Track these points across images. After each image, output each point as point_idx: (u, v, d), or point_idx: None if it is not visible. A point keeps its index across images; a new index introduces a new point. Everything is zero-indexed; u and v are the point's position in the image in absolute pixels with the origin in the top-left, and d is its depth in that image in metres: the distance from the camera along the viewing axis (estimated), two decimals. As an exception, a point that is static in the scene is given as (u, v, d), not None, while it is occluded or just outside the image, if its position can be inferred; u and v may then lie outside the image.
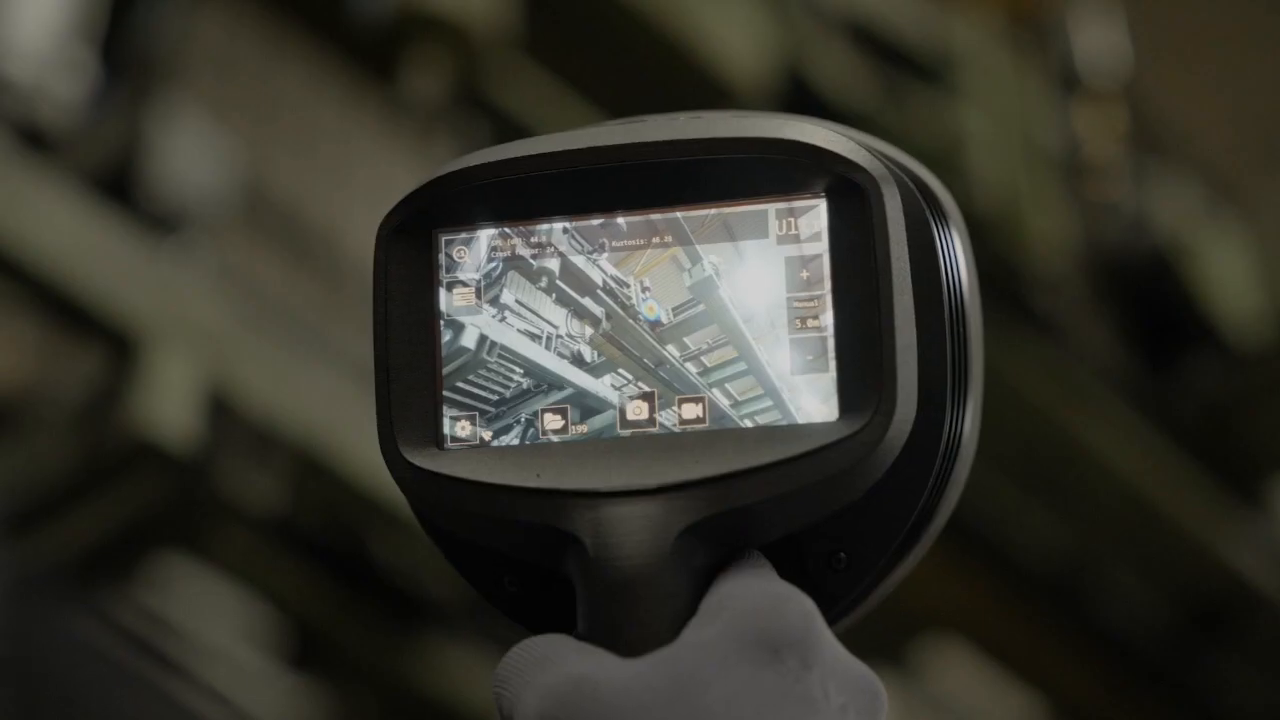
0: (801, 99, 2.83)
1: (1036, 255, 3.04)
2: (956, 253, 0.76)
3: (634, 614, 0.70)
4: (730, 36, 2.73)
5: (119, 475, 2.02)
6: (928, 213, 0.75)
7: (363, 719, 2.59)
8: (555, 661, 0.69)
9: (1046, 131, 3.17)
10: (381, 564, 2.37)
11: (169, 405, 1.98)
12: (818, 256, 0.72)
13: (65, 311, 2.09)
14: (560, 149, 0.74)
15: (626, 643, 0.69)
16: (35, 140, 2.27)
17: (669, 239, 0.74)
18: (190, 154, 2.43)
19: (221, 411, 2.06)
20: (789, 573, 0.73)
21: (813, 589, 0.73)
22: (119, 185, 2.37)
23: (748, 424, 0.72)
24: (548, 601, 0.74)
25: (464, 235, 0.75)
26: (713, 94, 2.69)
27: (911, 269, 0.73)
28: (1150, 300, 3.24)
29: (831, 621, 0.75)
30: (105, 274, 2.11)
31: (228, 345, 2.11)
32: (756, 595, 0.69)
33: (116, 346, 2.07)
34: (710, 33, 2.71)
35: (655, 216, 0.74)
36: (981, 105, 3.06)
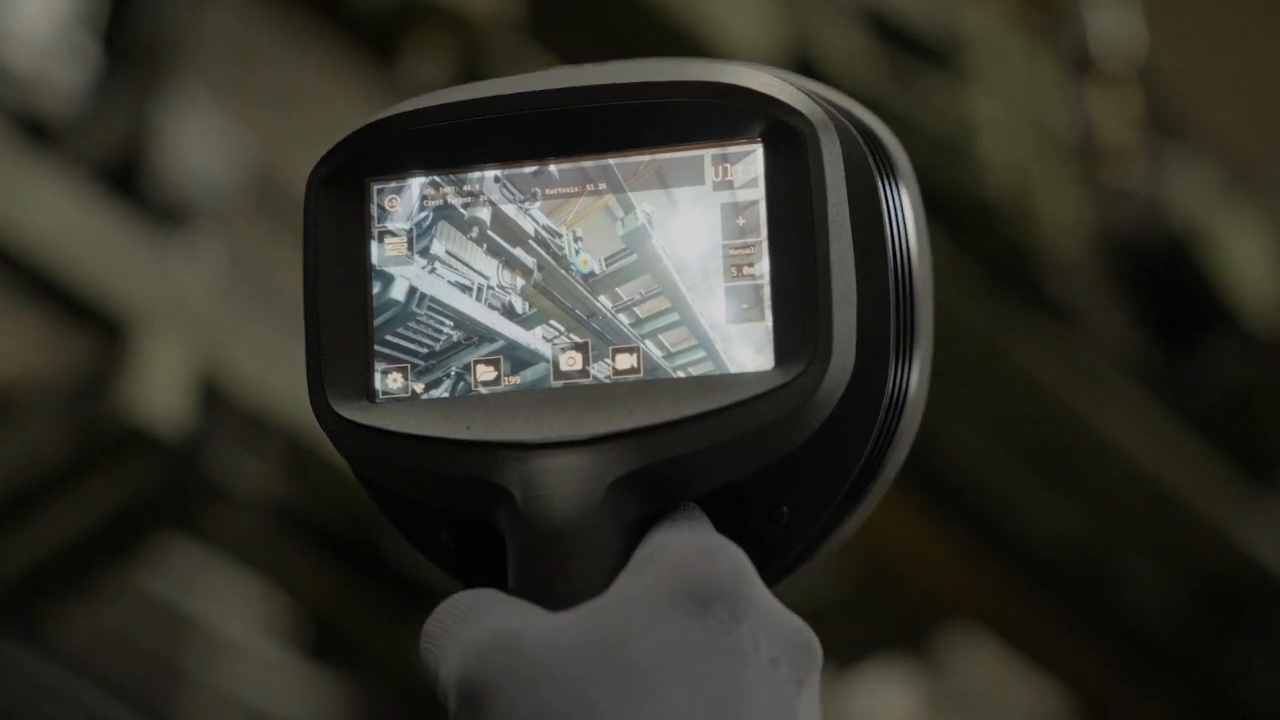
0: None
1: (1050, 241, 3.02)
2: (903, 204, 0.75)
3: (563, 567, 0.69)
4: (736, 20, 2.71)
5: (111, 462, 2.01)
6: (872, 162, 0.74)
7: (375, 705, 2.59)
8: (479, 615, 0.68)
9: (1059, 116, 3.15)
10: (384, 548, 2.36)
11: (161, 391, 1.98)
12: (754, 203, 0.71)
13: (57, 298, 2.09)
14: (493, 94, 0.73)
15: (555, 596, 0.68)
16: (36, 129, 2.27)
17: (602, 186, 0.73)
18: (197, 142, 2.43)
19: (214, 397, 2.05)
20: (730, 526, 0.72)
21: (755, 543, 0.72)
22: (125, 175, 2.38)
23: (682, 374, 0.71)
24: (487, 557, 0.73)
25: (395, 184, 0.74)
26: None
27: (853, 217, 0.72)
28: (1167, 285, 3.22)
29: (776, 577, 0.75)
30: (99, 261, 2.11)
31: (220, 331, 2.11)
32: (686, 547, 0.68)
33: (108, 332, 2.07)
34: (716, 17, 2.70)
35: (588, 164, 0.73)
36: (993, 90, 3.04)
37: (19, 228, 2.09)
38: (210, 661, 2.64)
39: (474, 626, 0.68)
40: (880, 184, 0.74)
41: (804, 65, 2.84)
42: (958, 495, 3.20)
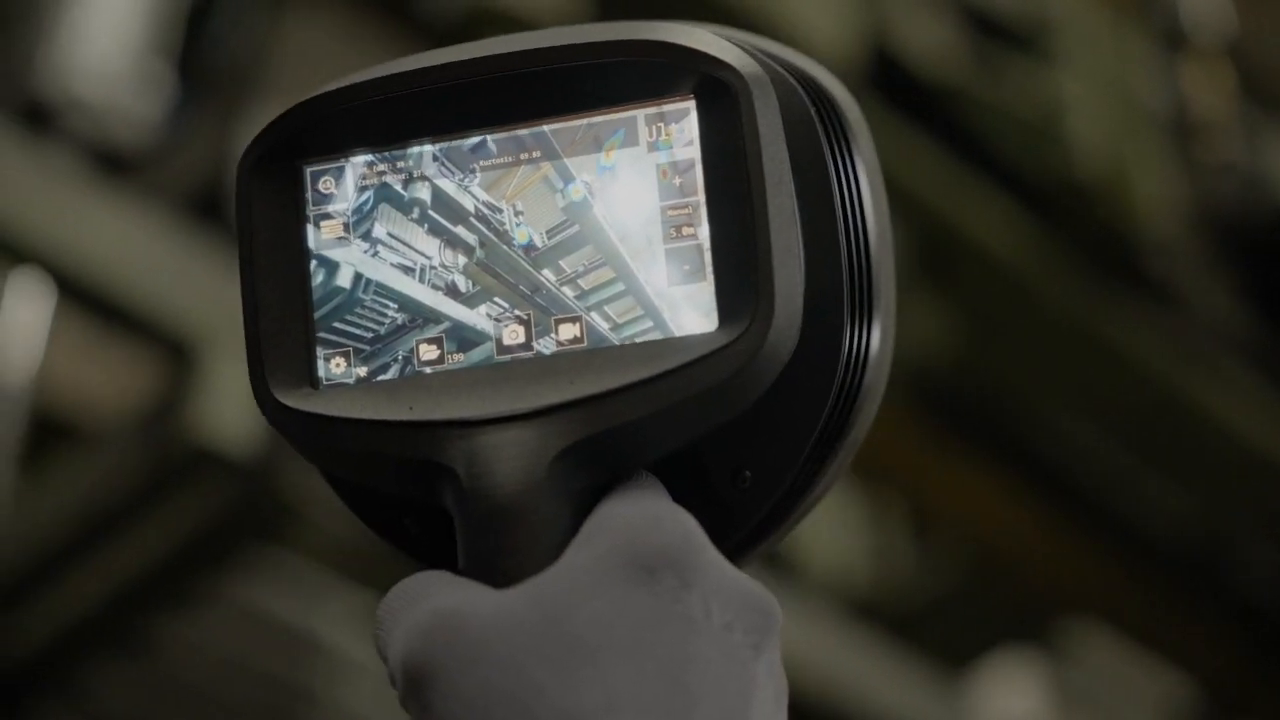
0: (890, 73, 2.79)
1: (1146, 220, 2.97)
2: (852, 160, 0.73)
3: (509, 543, 0.68)
4: (813, 11, 2.69)
5: (186, 483, 2.03)
6: (816, 115, 0.72)
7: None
8: (424, 597, 0.67)
9: (1151, 93, 3.09)
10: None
11: (233, 412, 1.99)
12: (690, 162, 0.70)
13: (132, 323, 2.11)
14: (420, 66, 0.72)
15: (503, 573, 0.67)
16: (112, 160, 2.29)
17: (537, 154, 0.71)
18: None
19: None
20: (692, 493, 0.70)
21: (718, 509, 0.71)
22: (205, 201, 2.39)
23: (626, 342, 0.70)
24: (452, 541, 0.72)
25: (330, 166, 0.73)
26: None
27: (796, 173, 0.70)
28: (1269, 260, 3.15)
29: (744, 544, 0.73)
30: (172, 286, 2.12)
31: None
32: (633, 515, 0.67)
33: (176, 354, 2.09)
34: (794, 8, 2.68)
35: (522, 132, 0.71)
36: (1081, 70, 3.00)
37: (96, 257, 2.11)
38: (327, 678, 2.66)
39: (418, 608, 0.67)
40: (826, 139, 0.72)
41: (883, 55, 2.82)
42: (1069, 484, 3.15)
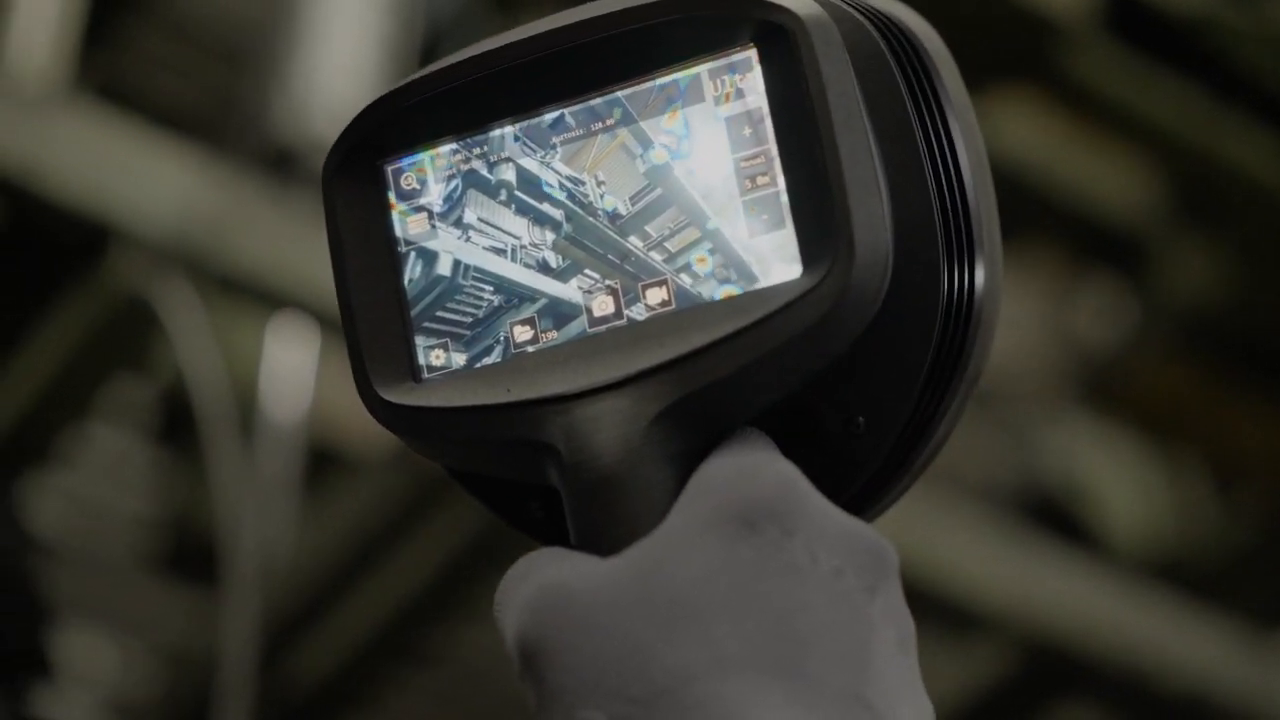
0: (1130, 12, 2.71)
1: None
2: (934, 92, 0.72)
3: (614, 512, 0.68)
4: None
5: (448, 500, 2.07)
6: (888, 50, 0.71)
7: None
8: (533, 574, 0.68)
9: None
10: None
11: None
12: (759, 110, 0.70)
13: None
14: (486, 50, 0.73)
15: (610, 542, 0.67)
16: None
17: (612, 121, 0.72)
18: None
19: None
20: (806, 445, 0.70)
21: (835, 458, 0.70)
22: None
23: (715, 299, 0.70)
24: None
25: (410, 162, 0.74)
26: (1031, 21, 2.61)
27: (873, 110, 0.69)
28: None
29: (871, 491, 0.73)
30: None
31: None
32: (729, 470, 0.66)
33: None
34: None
35: (596, 101, 0.72)
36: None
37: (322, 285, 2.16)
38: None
39: (527, 585, 0.67)
40: (901, 73, 0.71)
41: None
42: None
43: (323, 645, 2.37)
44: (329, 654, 2.37)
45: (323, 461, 2.33)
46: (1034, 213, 3.47)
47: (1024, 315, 3.57)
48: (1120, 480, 3.20)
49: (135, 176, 2.06)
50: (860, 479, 0.72)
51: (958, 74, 0.74)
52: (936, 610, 2.75)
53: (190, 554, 2.43)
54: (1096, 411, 3.33)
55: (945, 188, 0.71)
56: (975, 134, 0.73)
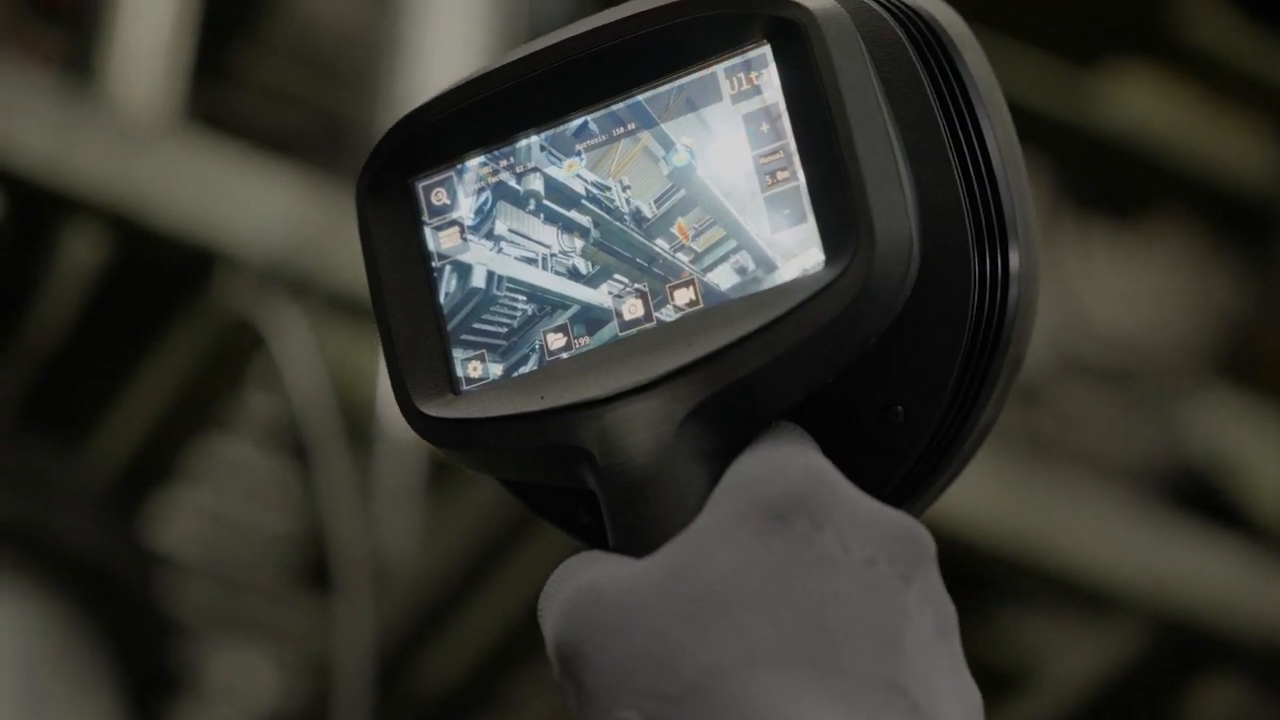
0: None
1: None
2: (957, 78, 0.72)
3: (649, 512, 0.68)
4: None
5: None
6: (905, 38, 0.70)
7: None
8: (571, 577, 0.68)
9: None
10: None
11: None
12: (775, 106, 0.70)
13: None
14: (506, 62, 0.73)
15: (646, 543, 0.68)
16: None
17: (634, 126, 0.72)
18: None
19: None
20: (845, 437, 0.70)
21: (875, 449, 0.71)
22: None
23: (741, 296, 0.70)
24: None
25: (440, 178, 0.75)
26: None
27: (893, 97, 0.69)
28: None
29: (915, 480, 0.73)
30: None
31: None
32: (757, 465, 0.67)
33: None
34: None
35: (618, 106, 0.72)
36: None
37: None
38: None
39: (563, 589, 0.68)
40: (921, 60, 0.71)
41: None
42: None
43: (449, 652, 2.39)
44: (455, 660, 2.39)
45: (442, 470, 2.35)
46: (1164, 186, 3.43)
47: (1160, 290, 3.52)
48: (1265, 454, 3.14)
49: (240, 202, 2.09)
50: (902, 469, 0.71)
51: (983, 58, 0.74)
52: (1075, 591, 2.72)
53: (322, 565, 2.47)
54: (1238, 385, 3.27)
55: (972, 173, 0.71)
56: (1004, 117, 0.73)
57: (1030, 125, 3.31)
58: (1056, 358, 3.44)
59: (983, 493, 2.60)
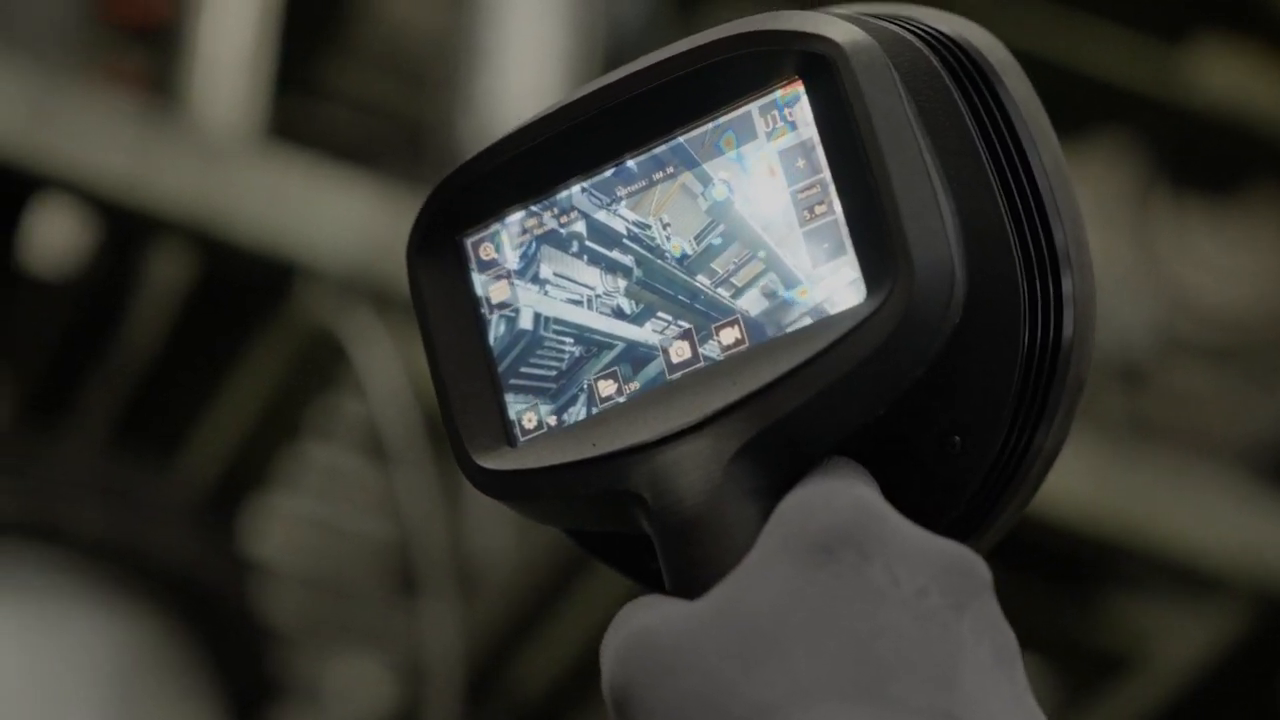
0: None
1: None
2: (998, 104, 0.71)
3: (700, 553, 0.68)
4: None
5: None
6: (941, 65, 0.70)
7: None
8: (626, 621, 0.68)
9: None
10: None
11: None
12: (810, 141, 0.70)
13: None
14: (543, 115, 0.74)
15: (700, 584, 0.68)
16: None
17: (672, 169, 0.72)
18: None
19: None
20: (902, 469, 0.70)
21: (934, 480, 0.70)
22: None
23: (784, 333, 0.70)
24: None
25: (487, 233, 0.75)
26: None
27: (931, 126, 0.69)
28: None
29: (978, 511, 0.72)
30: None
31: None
32: (804, 500, 0.66)
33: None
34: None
35: (659, 149, 0.72)
36: None
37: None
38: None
39: (618, 634, 0.68)
40: (959, 88, 0.70)
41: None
42: None
43: (542, 655, 2.40)
44: (549, 664, 2.40)
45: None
46: (1259, 160, 3.38)
47: (1259, 265, 3.48)
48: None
49: (320, 214, 2.11)
50: (962, 499, 0.71)
51: (1026, 81, 0.73)
52: (1181, 573, 2.70)
53: (417, 569, 2.49)
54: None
55: (1018, 198, 0.70)
56: (1050, 140, 0.72)
57: (1121, 103, 3.28)
58: (1157, 338, 3.40)
59: (1087, 476, 2.59)
